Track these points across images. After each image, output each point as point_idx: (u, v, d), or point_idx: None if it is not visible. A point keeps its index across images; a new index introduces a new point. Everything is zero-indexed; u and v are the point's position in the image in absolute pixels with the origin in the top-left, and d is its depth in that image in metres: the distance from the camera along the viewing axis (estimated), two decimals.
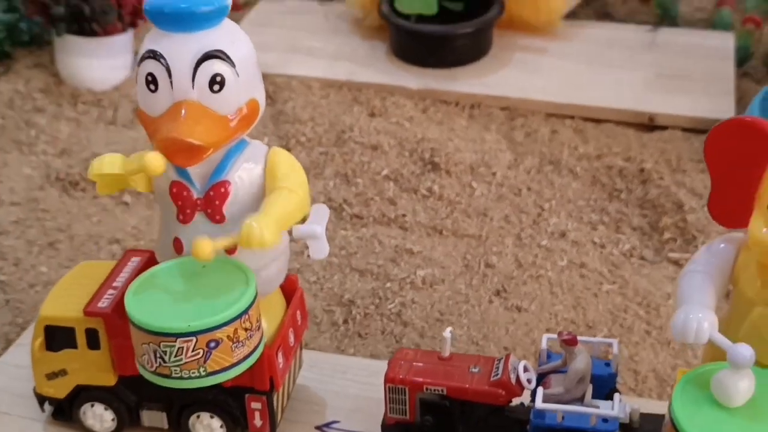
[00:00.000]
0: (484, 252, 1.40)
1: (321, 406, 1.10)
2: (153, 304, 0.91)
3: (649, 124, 1.70)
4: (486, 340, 1.24)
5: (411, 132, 1.66)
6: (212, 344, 0.89)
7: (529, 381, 0.96)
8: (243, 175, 0.95)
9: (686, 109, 1.70)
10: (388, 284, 1.33)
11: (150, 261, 1.05)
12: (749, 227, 0.82)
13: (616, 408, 0.91)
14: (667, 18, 1.98)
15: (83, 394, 1.03)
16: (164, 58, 0.89)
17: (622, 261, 1.38)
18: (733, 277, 0.87)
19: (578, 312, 1.28)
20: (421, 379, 0.97)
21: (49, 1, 1.76)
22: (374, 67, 1.86)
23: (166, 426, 1.04)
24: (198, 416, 1.02)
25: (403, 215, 1.47)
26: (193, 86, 0.89)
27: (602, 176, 1.56)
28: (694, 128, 1.66)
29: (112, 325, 0.99)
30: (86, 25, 1.77)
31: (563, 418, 0.92)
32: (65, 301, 1.02)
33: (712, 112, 1.67)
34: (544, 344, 1.00)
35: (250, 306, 0.91)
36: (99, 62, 1.79)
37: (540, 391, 0.93)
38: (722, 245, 0.88)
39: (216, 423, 1.02)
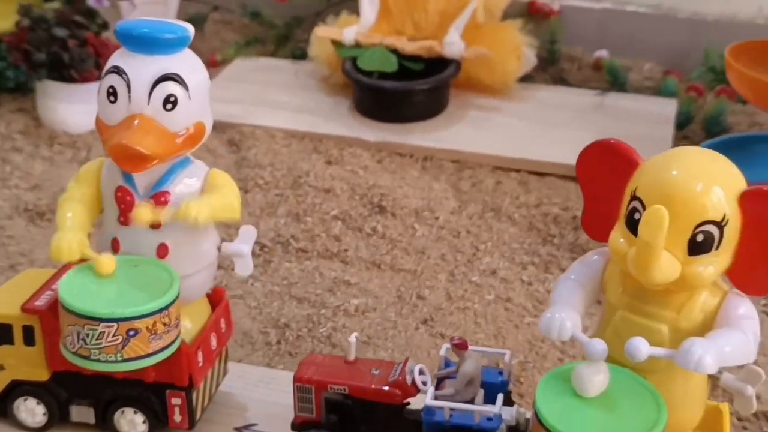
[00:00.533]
0: (418, 285, 1.49)
1: (242, 410, 1.17)
2: (84, 291, 1.00)
3: None
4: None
5: (364, 179, 1.76)
6: (131, 332, 0.98)
7: (424, 383, 1.04)
8: (183, 188, 1.05)
9: None
10: (323, 311, 1.42)
11: None
12: (609, 238, 0.91)
13: (498, 406, 0.99)
14: (616, 84, 2.09)
15: (17, 388, 1.11)
16: (126, 74, 1.00)
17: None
18: (603, 286, 0.96)
19: (498, 340, 1.37)
20: (325, 379, 1.05)
21: (32, 49, 1.88)
22: (336, 120, 1.96)
23: (93, 421, 1.12)
24: (122, 411, 1.10)
25: (346, 250, 1.56)
26: (148, 102, 1.00)
27: (538, 223, 1.65)
28: None
29: (47, 322, 1.07)
30: (65, 71, 1.88)
31: (451, 415, 1.00)
32: (5, 301, 1.10)
33: None
34: (443, 352, 1.08)
35: (171, 304, 1.00)
36: (76, 107, 1.90)
37: (431, 390, 1.01)
38: (594, 257, 0.97)
39: (139, 418, 1.10)
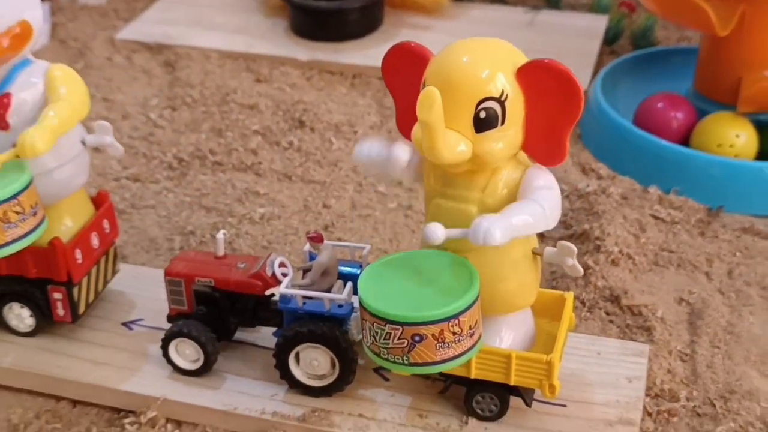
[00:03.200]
0: (325, 195, 1.54)
1: (131, 307, 1.24)
2: None
3: None
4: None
5: (290, 95, 1.81)
6: None
7: (284, 275, 1.10)
8: (24, 88, 1.08)
9: None
10: (229, 219, 1.48)
11: None
12: (411, 132, 0.96)
13: (347, 294, 1.05)
14: (551, 1, 2.11)
15: None
16: None
17: None
18: (423, 181, 1.01)
19: (393, 244, 1.42)
20: (193, 273, 1.11)
21: None
22: (271, 41, 2.00)
23: None
24: (10, 307, 1.17)
25: (260, 163, 1.61)
26: None
27: None
28: None
29: None
30: None
31: (304, 303, 1.06)
32: None
33: None
34: (306, 247, 1.13)
35: (20, 192, 1.04)
36: None
37: (286, 280, 1.07)
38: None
39: (26, 312, 1.17)
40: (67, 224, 1.14)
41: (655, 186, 1.53)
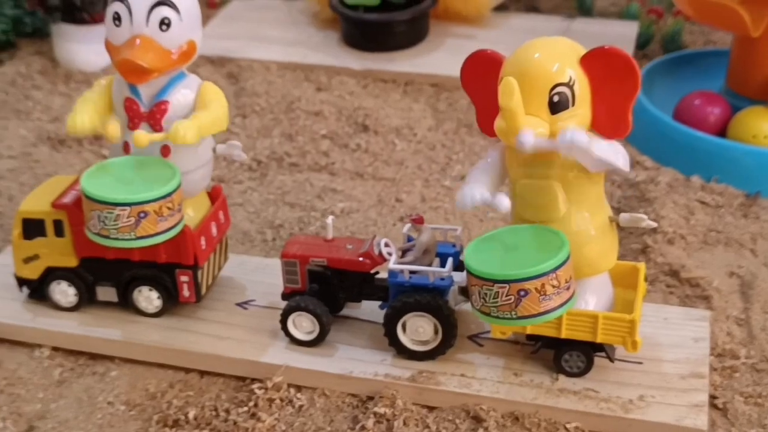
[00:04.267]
0: (396, 191, 1.68)
1: (242, 290, 1.38)
2: (101, 182, 1.21)
3: None
4: None
5: (350, 102, 1.96)
6: (142, 215, 1.19)
7: (389, 254, 1.25)
8: (179, 98, 1.26)
9: None
10: (313, 213, 1.62)
11: None
12: (494, 125, 1.11)
13: (449, 268, 1.20)
14: (583, 10, 2.27)
15: (51, 274, 1.32)
16: (127, 1, 1.21)
17: None
18: (506, 170, 1.16)
19: (465, 233, 1.56)
20: (307, 254, 1.26)
21: None
22: (325, 52, 2.15)
23: (116, 299, 1.33)
24: (140, 290, 1.31)
25: (333, 163, 1.76)
26: (147, 24, 1.21)
27: None
28: None
29: (73, 216, 1.28)
30: (78, 14, 2.07)
31: (410, 277, 1.20)
32: (38, 201, 1.31)
33: None
34: (405, 230, 1.28)
35: (174, 191, 1.21)
36: (89, 47, 2.08)
37: (394, 258, 1.22)
38: (491, 151, 1.18)
39: (154, 295, 1.31)
40: (189, 214, 1.29)
41: (697, 175, 1.67)
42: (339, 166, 1.75)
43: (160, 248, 1.27)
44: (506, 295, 1.06)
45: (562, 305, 1.08)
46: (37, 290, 1.34)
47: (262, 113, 1.94)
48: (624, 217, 1.15)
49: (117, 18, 1.21)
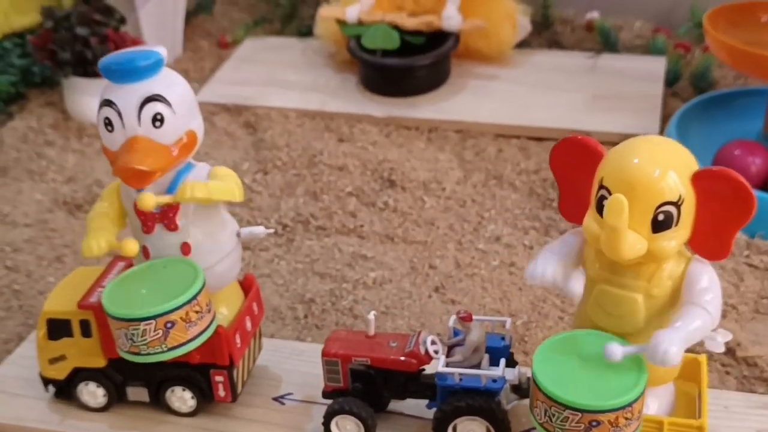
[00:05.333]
0: (429, 255, 1.62)
1: (278, 381, 1.32)
2: (123, 298, 1.15)
3: None
4: (423, 327, 1.46)
5: (374, 154, 1.89)
6: (169, 325, 1.12)
7: (435, 352, 1.18)
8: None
9: (618, 127, 1.91)
10: (344, 285, 1.56)
11: (131, 266, 1.28)
12: (584, 223, 1.04)
13: (501, 369, 1.13)
14: (608, 45, 2.20)
15: (79, 375, 1.26)
16: (116, 105, 1.13)
17: None
18: (582, 262, 1.10)
19: (504, 303, 1.50)
20: (349, 353, 1.20)
21: (57, 48, 2.01)
22: (344, 97, 2.09)
23: (147, 400, 1.27)
24: (173, 390, 1.25)
25: (362, 226, 1.70)
26: (139, 124, 1.12)
27: (538, 188, 1.78)
28: None
29: (100, 316, 1.22)
30: (89, 67, 2.01)
31: (461, 379, 1.14)
32: (63, 299, 1.25)
33: (640, 129, 1.89)
34: (451, 323, 1.22)
35: (198, 293, 1.14)
36: None
37: (442, 358, 1.16)
38: (571, 236, 1.11)
39: (187, 395, 1.25)
40: (223, 312, 1.22)
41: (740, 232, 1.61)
42: (368, 229, 1.69)
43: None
44: (576, 422, 1.00)
45: None
46: (63, 390, 1.28)
47: (284, 168, 1.88)
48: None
49: (108, 123, 1.14)
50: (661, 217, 0.99)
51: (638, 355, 1.02)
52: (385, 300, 1.52)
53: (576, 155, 1.06)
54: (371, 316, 1.22)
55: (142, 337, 1.12)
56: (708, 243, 1.03)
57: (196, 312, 1.14)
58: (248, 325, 1.26)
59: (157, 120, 1.12)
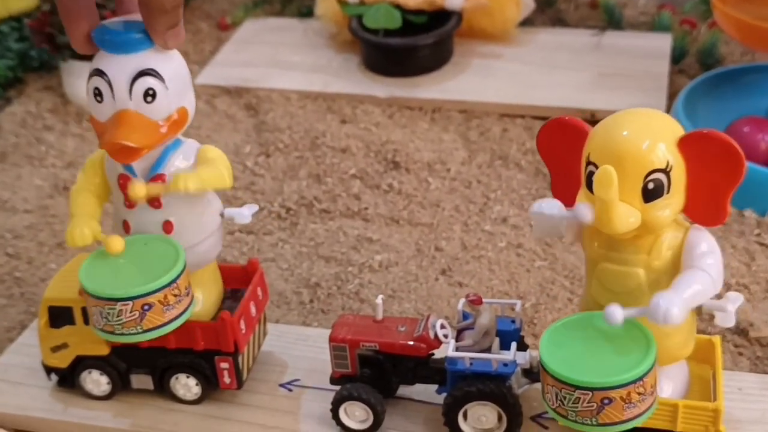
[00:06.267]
0: (435, 238, 1.60)
1: (284, 367, 1.30)
2: (101, 275, 1.12)
3: (590, 120, 1.89)
4: (430, 311, 1.44)
5: (377, 135, 1.87)
6: (146, 307, 1.10)
7: (445, 336, 1.16)
8: (178, 168, 1.15)
9: (623, 105, 1.82)
10: (350, 268, 1.54)
11: None
12: (576, 201, 1.02)
13: (512, 353, 1.11)
14: (612, 22, 2.17)
15: (82, 363, 1.24)
16: (107, 75, 1.09)
17: (555, 241, 1.57)
18: (581, 243, 1.08)
19: (512, 285, 1.48)
20: (357, 338, 1.18)
21: (55, 32, 1.98)
22: (347, 78, 2.06)
23: (152, 387, 1.25)
24: (177, 377, 1.23)
25: (366, 208, 1.67)
26: (130, 98, 1.09)
27: (544, 168, 1.75)
28: None
29: None
30: None
31: (471, 363, 1.12)
32: (64, 286, 1.23)
33: (647, 107, 1.85)
34: (460, 306, 1.20)
35: (178, 277, 1.11)
36: None
37: (452, 342, 1.14)
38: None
39: (192, 382, 1.23)
40: (197, 297, 1.20)
41: (750, 209, 1.59)
42: (372, 211, 1.67)
43: (197, 335, 1.19)
44: (588, 402, 0.98)
45: (647, 410, 1.00)
46: (66, 378, 1.26)
47: (287, 151, 1.85)
48: (709, 303, 1.06)
49: (98, 93, 1.09)
50: (651, 185, 0.98)
51: (644, 331, 1.01)
52: (391, 283, 1.50)
53: (562, 136, 1.05)
54: (379, 300, 1.20)
55: (117, 317, 1.10)
56: (703, 208, 1.01)
57: (175, 295, 1.11)
58: (253, 310, 1.24)
59: (149, 95, 1.09)
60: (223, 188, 1.17)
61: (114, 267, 1.13)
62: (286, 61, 2.14)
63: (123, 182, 1.15)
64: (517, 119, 1.91)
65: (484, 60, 2.09)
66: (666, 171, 0.98)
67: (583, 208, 1.00)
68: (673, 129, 1.01)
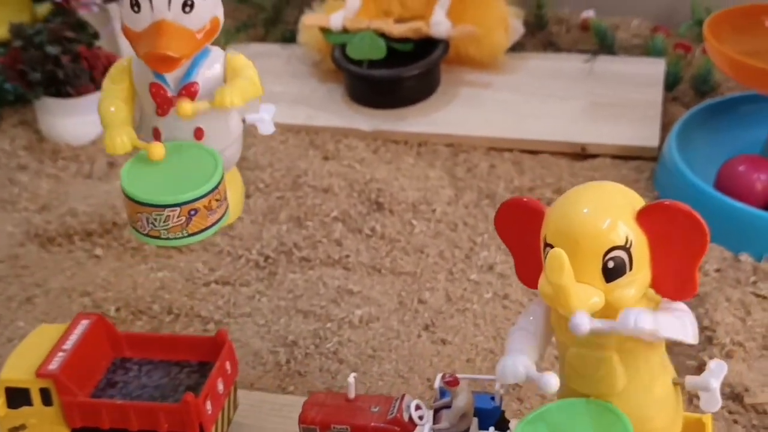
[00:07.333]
0: (418, 288, 1.54)
1: None
2: (142, 181, 1.16)
3: (581, 154, 1.83)
4: (411, 372, 1.38)
5: (361, 173, 1.80)
6: (192, 212, 1.15)
7: (420, 418, 1.10)
8: (208, 76, 1.21)
9: (615, 138, 1.83)
10: (329, 324, 1.48)
11: (98, 323, 1.21)
12: (538, 285, 0.96)
13: None
14: (604, 46, 2.10)
15: None
16: None
17: None
18: (552, 328, 1.02)
19: (497, 342, 1.42)
20: (328, 419, 1.12)
21: (27, 69, 1.92)
22: (330, 110, 2.00)
23: None
24: None
25: (347, 256, 1.61)
26: (169, 9, 1.15)
27: None
28: (622, 155, 1.80)
29: (61, 384, 1.14)
30: (61, 88, 1.92)
31: None
32: (21, 364, 1.17)
33: (639, 140, 1.81)
34: (437, 384, 1.13)
35: (220, 182, 1.17)
36: (75, 120, 1.94)
37: (427, 426, 1.08)
38: (534, 306, 1.03)
39: None
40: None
41: (746, 253, 1.53)
42: (354, 259, 1.61)
43: (160, 417, 1.14)
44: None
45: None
46: None
47: (267, 191, 1.79)
48: (690, 381, 1.00)
49: (135, 4, 1.16)
50: (611, 264, 0.91)
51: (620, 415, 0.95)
52: (371, 341, 1.44)
53: (520, 218, 0.99)
54: (351, 379, 1.14)
55: (164, 222, 1.14)
56: (672, 282, 0.95)
57: (217, 200, 1.16)
58: (220, 387, 1.18)
59: (188, 5, 1.15)
60: (258, 96, 1.24)
61: (155, 173, 1.17)
62: (269, 91, 2.04)
63: (155, 91, 1.21)
64: (505, 153, 1.85)
65: (472, 89, 2.02)
66: (626, 248, 0.92)
67: (549, 381, 0.94)
68: (632, 202, 0.95)
